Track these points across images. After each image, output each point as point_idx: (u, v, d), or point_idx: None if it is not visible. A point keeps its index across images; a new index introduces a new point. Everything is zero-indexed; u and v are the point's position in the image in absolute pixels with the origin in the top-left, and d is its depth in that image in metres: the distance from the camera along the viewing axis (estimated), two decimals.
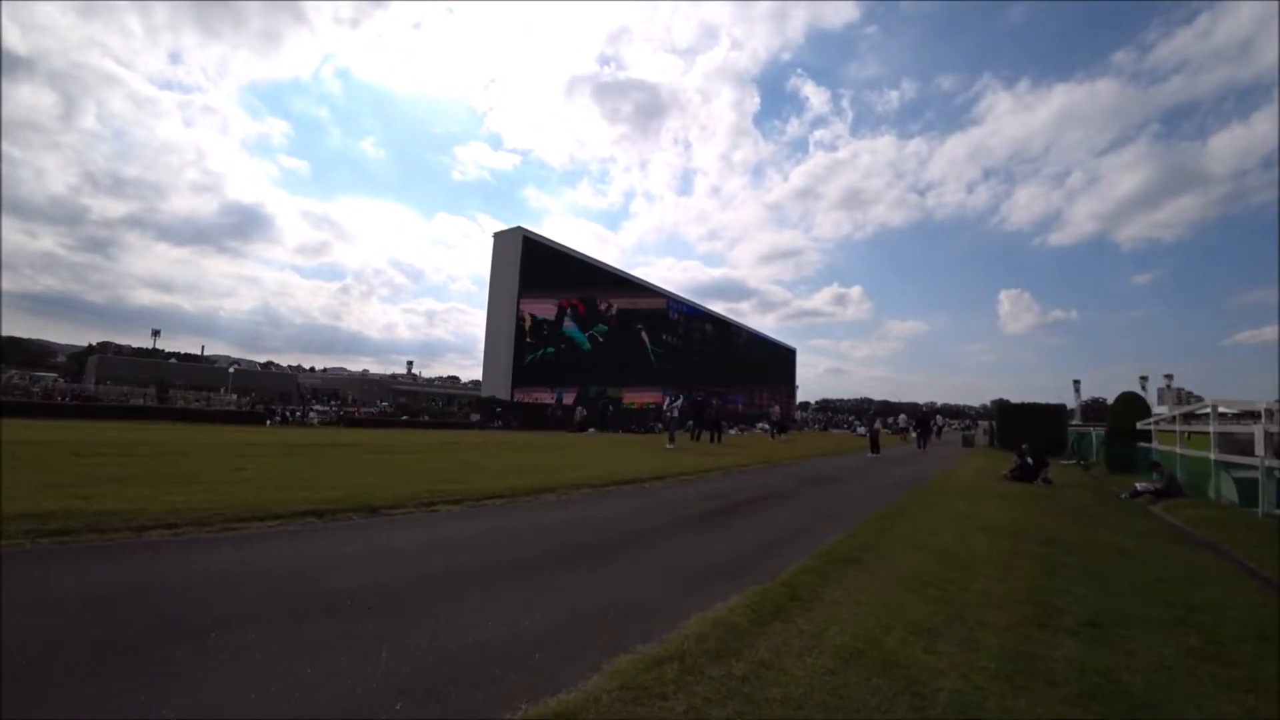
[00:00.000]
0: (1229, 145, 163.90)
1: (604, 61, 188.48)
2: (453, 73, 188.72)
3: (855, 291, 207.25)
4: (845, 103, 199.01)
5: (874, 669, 2.64)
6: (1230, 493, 9.15)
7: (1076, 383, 43.62)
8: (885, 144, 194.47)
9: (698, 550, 4.93)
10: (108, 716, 1.97)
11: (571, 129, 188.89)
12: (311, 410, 34.74)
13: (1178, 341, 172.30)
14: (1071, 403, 39.26)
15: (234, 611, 2.91)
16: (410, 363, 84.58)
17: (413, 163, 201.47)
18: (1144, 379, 38.24)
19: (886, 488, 10.35)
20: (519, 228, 37.87)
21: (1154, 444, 13.90)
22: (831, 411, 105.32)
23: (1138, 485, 10.92)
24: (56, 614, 2.76)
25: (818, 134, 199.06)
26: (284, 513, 5.01)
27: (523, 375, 36.28)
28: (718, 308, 65.74)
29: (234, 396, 42.99)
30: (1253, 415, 11.09)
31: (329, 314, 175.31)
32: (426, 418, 35.85)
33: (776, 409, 38.52)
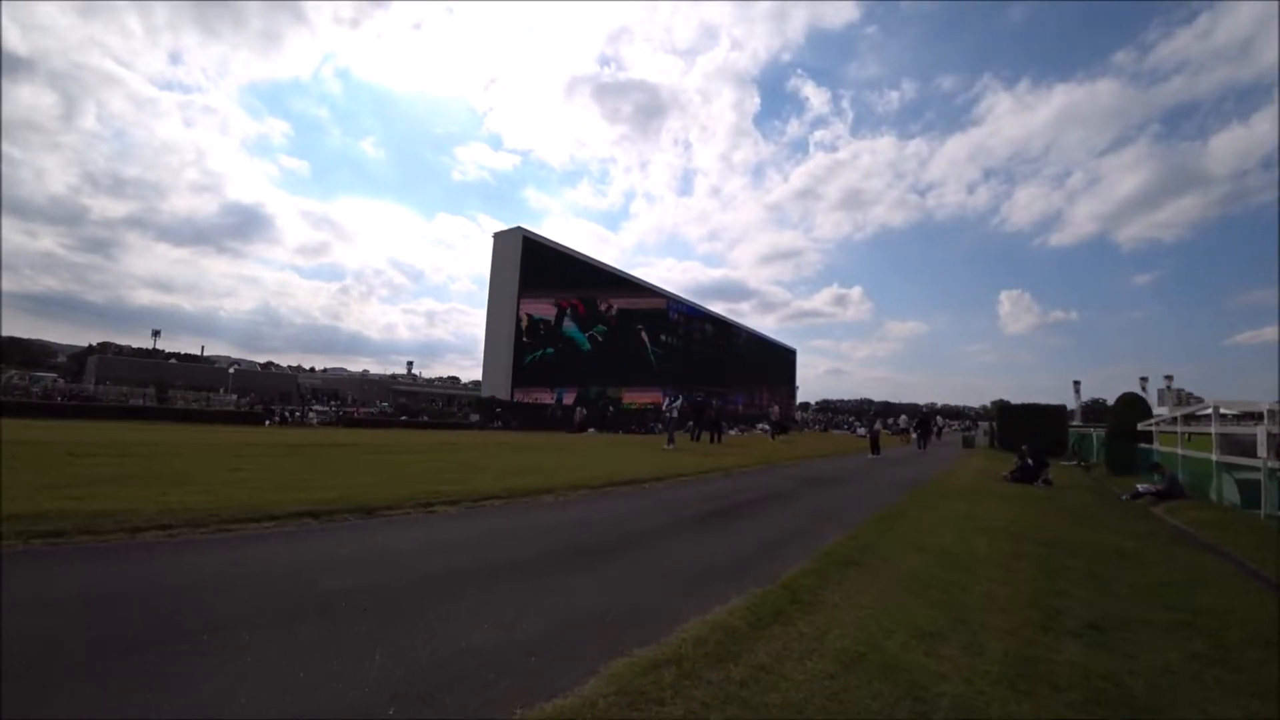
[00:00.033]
0: (1229, 145, 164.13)
1: (604, 62, 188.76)
2: (453, 73, 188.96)
3: (855, 292, 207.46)
4: (845, 103, 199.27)
5: (875, 673, 2.61)
6: (1232, 494, 9.11)
7: (1076, 383, 43.63)
8: (885, 144, 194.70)
9: (697, 552, 4.89)
10: (98, 718, 1.94)
11: (571, 129, 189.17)
12: (310, 411, 34.69)
13: (1178, 342, 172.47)
14: (1071, 403, 39.24)
15: (227, 614, 2.87)
16: (410, 363, 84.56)
17: (413, 163, 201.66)
18: (1144, 380, 38.18)
19: (887, 489, 10.31)
20: (519, 228, 37.87)
21: (1155, 445, 13.86)
22: (831, 412, 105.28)
23: (1139, 486, 10.88)
24: (46, 616, 2.72)
25: (818, 134, 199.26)
26: (280, 513, 4.96)
27: (522, 375, 36.26)
28: (718, 308, 65.83)
29: (234, 397, 42.94)
30: (1252, 416, 11.06)
31: (329, 314, 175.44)
32: (426, 418, 35.80)
33: (776, 409, 38.51)
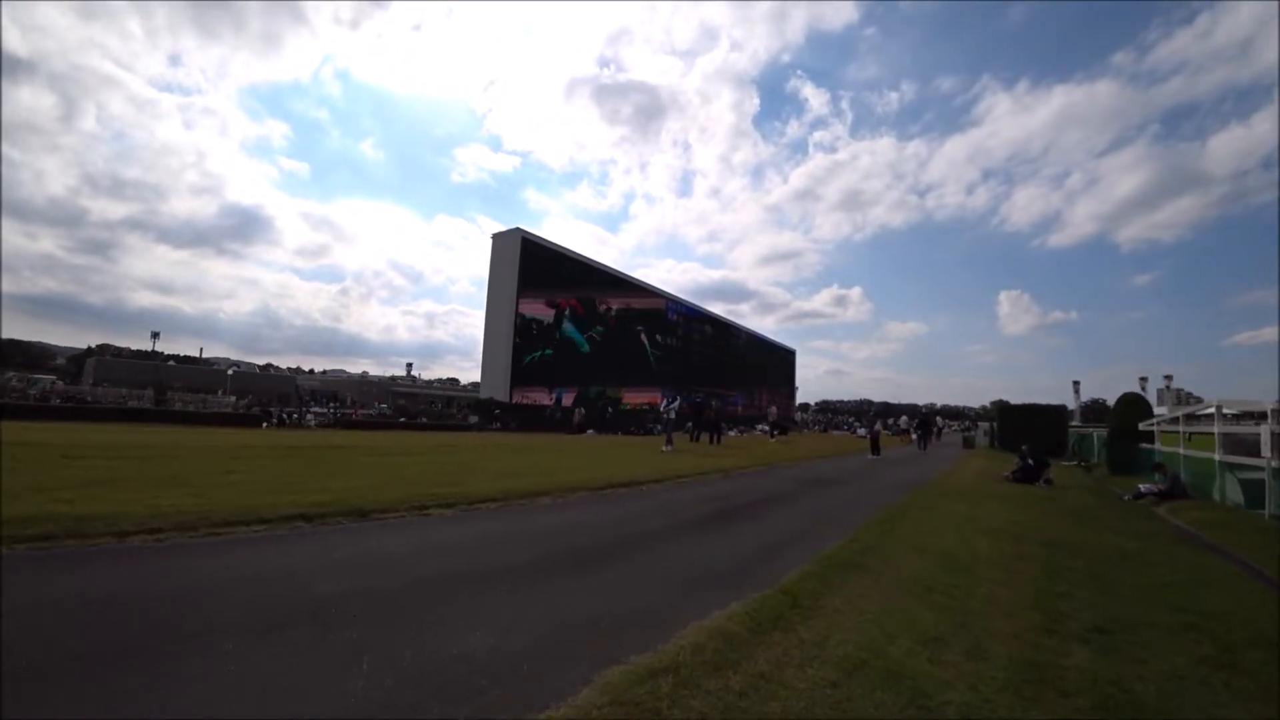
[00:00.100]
0: (1228, 146, 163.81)
1: (604, 63, 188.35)
2: (452, 74, 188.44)
3: (855, 293, 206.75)
4: (845, 104, 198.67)
5: (878, 681, 2.53)
6: (1236, 494, 9.05)
7: (1076, 384, 43.76)
8: (885, 145, 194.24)
9: (695, 555, 4.81)
10: None
11: (571, 131, 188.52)
12: (308, 412, 34.60)
13: (1177, 342, 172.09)
14: (1071, 404, 39.28)
15: (211, 620, 2.79)
16: (409, 364, 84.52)
17: (412, 164, 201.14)
18: (1144, 380, 38.32)
19: (887, 490, 10.24)
20: (517, 229, 37.83)
21: (1156, 445, 13.81)
22: (831, 413, 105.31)
23: (1141, 487, 10.82)
24: (22, 622, 2.64)
25: (817, 135, 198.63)
26: (272, 517, 4.88)
27: (521, 377, 36.21)
28: (717, 309, 65.86)
29: (232, 399, 42.85)
30: (1252, 416, 11.01)
31: (328, 316, 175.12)
32: (425, 420, 35.70)
33: (774, 410, 38.47)
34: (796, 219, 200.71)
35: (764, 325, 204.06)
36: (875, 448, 19.31)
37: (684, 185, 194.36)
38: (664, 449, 15.76)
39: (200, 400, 36.71)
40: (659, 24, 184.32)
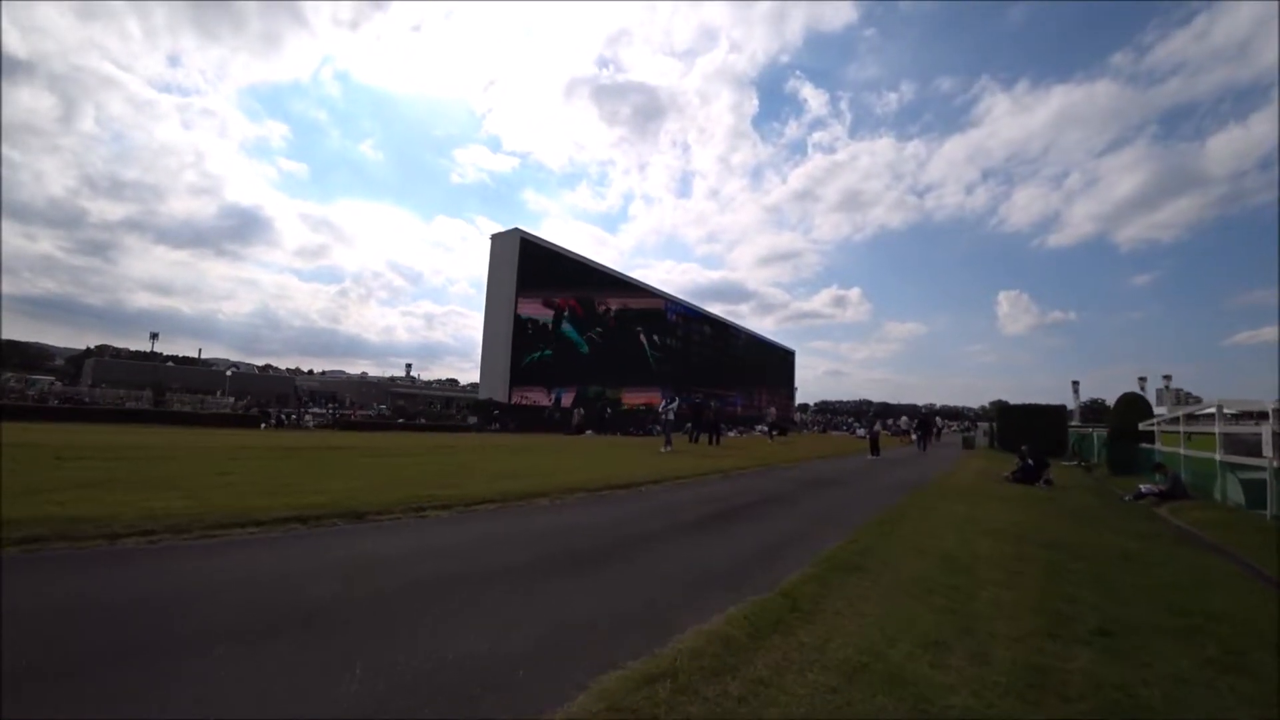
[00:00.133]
0: (1227, 146, 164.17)
1: (603, 64, 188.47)
2: (452, 75, 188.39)
3: (854, 293, 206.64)
4: (844, 105, 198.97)
5: (879, 685, 2.49)
6: (1237, 495, 9.01)
7: (1075, 384, 43.65)
8: (884, 146, 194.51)
9: (694, 557, 4.76)
10: None
11: (570, 131, 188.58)
12: (307, 413, 34.53)
13: (1176, 342, 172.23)
14: (1070, 404, 39.23)
15: (201, 626, 2.75)
16: (409, 365, 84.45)
17: (412, 165, 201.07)
18: (1143, 380, 38.24)
19: (887, 490, 10.20)
20: (516, 229, 37.79)
21: (1157, 445, 13.77)
22: (831, 413, 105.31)
23: (1142, 487, 10.79)
24: (4, 627, 2.59)
25: (816, 136, 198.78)
26: (266, 519, 4.83)
27: (520, 377, 36.16)
28: (716, 310, 65.85)
29: (231, 400, 42.76)
30: (1251, 416, 10.96)
31: (328, 317, 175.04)
32: (423, 420, 35.63)
33: (772, 411, 38.40)
34: (796, 219, 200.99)
35: (763, 326, 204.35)
36: (875, 448, 19.27)
37: (683, 186, 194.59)
38: (663, 450, 15.71)
39: (198, 401, 36.63)
40: (658, 25, 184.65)
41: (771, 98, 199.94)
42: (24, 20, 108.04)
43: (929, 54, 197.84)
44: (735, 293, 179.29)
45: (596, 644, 2.81)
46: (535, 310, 37.57)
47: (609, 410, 38.87)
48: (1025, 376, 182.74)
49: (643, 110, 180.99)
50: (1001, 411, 31.05)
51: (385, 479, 7.67)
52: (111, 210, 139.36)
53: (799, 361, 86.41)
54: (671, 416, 17.94)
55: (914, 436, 29.46)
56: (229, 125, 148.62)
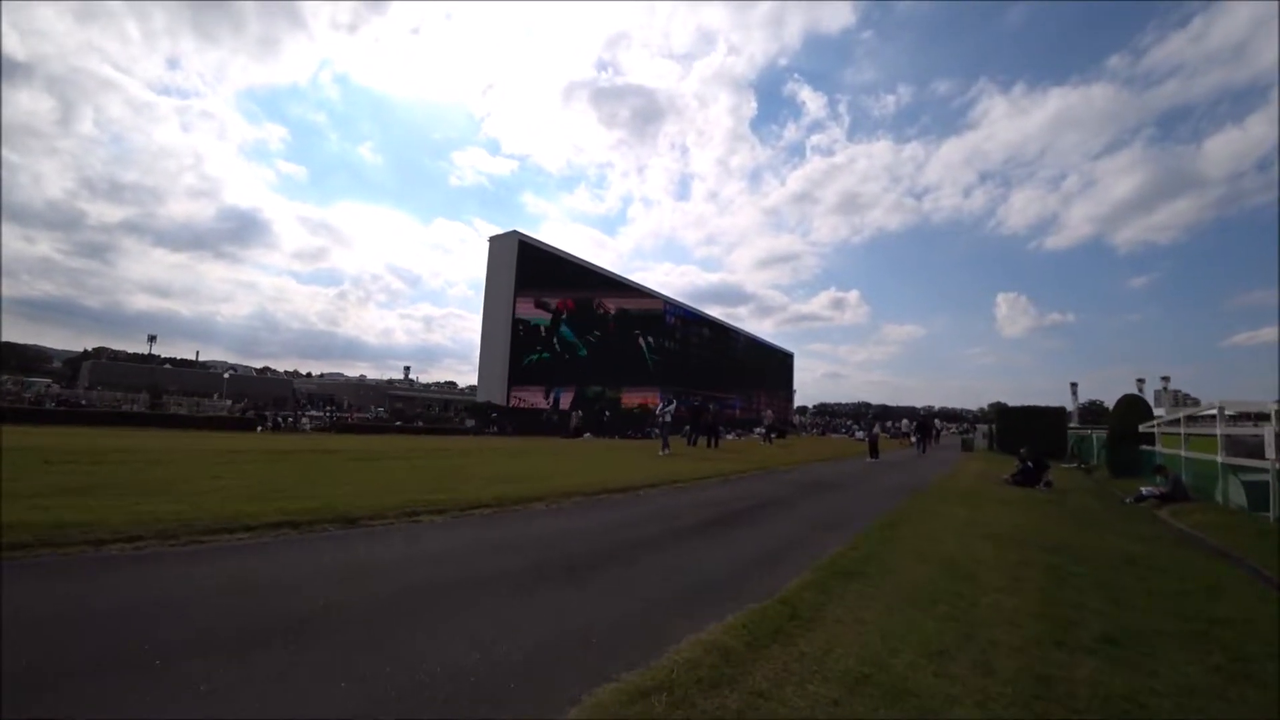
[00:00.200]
0: (1224, 148, 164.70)
1: (601, 67, 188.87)
2: (450, 78, 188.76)
3: (853, 295, 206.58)
4: (842, 107, 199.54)
5: (882, 698, 2.41)
6: (1239, 497, 8.94)
7: (1074, 385, 43.71)
8: (882, 148, 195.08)
9: (691, 563, 4.69)
10: None
11: (569, 134, 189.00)
12: (304, 416, 34.40)
13: (1174, 344, 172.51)
14: (1069, 405, 39.23)
15: (183, 636, 2.66)
16: (407, 368, 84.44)
17: (410, 168, 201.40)
18: (1141, 381, 38.28)
19: (887, 494, 10.13)
20: (514, 232, 37.76)
21: (1157, 447, 13.71)
22: (829, 415, 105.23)
23: (1143, 489, 10.72)
24: None
25: (814, 139, 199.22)
26: (256, 524, 4.75)
27: (518, 380, 36.06)
28: (715, 312, 65.86)
29: (228, 402, 42.61)
30: (1250, 417, 10.91)
31: (326, 319, 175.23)
32: (421, 423, 35.52)
33: (769, 414, 38.26)
34: (794, 222, 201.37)
35: (762, 328, 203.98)
36: (874, 451, 19.20)
37: (682, 188, 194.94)
38: (660, 453, 15.60)
39: (195, 404, 36.50)
40: (657, 28, 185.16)
41: (770, 100, 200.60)
42: (23, 23, 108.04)
43: (926, 57, 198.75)
44: (734, 295, 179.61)
45: (591, 654, 2.73)
46: (533, 313, 37.49)
47: (607, 413, 38.76)
48: (1024, 378, 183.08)
49: (641, 113, 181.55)
50: (1001, 413, 31.01)
51: (379, 483, 7.58)
52: (110, 212, 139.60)
53: (798, 364, 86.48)
54: (669, 419, 17.77)
55: (913, 439, 29.41)
56: (228, 128, 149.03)
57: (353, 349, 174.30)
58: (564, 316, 39.91)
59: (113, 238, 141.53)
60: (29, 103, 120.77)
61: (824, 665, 2.67)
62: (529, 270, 36.97)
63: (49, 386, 46.06)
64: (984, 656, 2.94)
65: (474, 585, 3.72)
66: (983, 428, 35.86)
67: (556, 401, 38.64)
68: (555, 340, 39.10)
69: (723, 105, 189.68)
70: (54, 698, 2.08)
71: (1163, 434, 13.88)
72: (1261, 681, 2.99)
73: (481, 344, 38.06)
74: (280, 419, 30.07)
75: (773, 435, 29.28)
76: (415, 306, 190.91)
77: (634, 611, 3.42)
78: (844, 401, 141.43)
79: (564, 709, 2.17)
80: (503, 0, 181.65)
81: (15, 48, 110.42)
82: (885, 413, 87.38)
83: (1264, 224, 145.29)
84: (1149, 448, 14.44)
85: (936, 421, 44.45)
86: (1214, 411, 9.77)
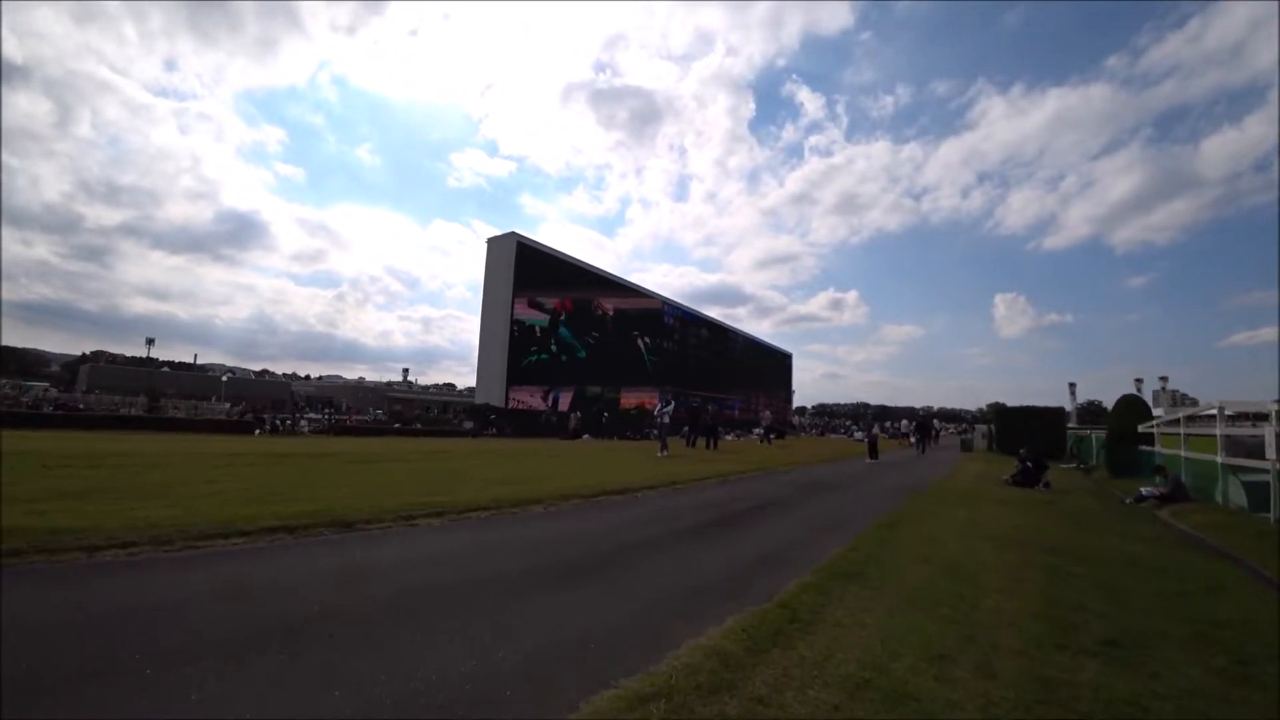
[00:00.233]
0: (1221, 149, 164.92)
1: (600, 68, 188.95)
2: (449, 79, 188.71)
3: (851, 296, 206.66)
4: (840, 108, 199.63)
5: (883, 703, 2.38)
6: (1239, 497, 8.93)
7: (1072, 385, 43.68)
8: (880, 149, 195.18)
9: (690, 566, 4.66)
10: None
11: (567, 136, 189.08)
12: (302, 418, 34.35)
13: (1172, 344, 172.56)
14: (1068, 405, 39.23)
15: (175, 643, 2.63)
16: (406, 370, 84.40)
17: (409, 170, 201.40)
18: (1139, 381, 38.21)
19: (887, 495, 10.10)
20: (513, 233, 37.70)
21: (1157, 447, 13.70)
22: (828, 416, 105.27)
23: (1142, 490, 10.72)
24: None
25: (813, 139, 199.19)
26: (252, 529, 4.71)
27: (517, 381, 36.01)
28: (714, 313, 65.82)
29: (226, 405, 42.55)
30: (1248, 417, 10.89)
31: (325, 321, 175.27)
32: (420, 425, 35.49)
33: (767, 415, 38.24)
34: (793, 223, 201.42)
35: (760, 329, 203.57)
36: (873, 452, 19.19)
37: (680, 190, 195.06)
38: (659, 454, 15.55)
39: (192, 407, 36.44)
40: (655, 29, 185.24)
41: (768, 101, 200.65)
42: (20, 24, 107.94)
43: (924, 57, 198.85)
44: (733, 296, 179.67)
45: (589, 659, 2.70)
46: (532, 314, 37.46)
47: (606, 414, 38.73)
48: (1022, 378, 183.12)
49: (639, 114, 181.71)
50: (1000, 414, 31.00)
51: (377, 486, 7.55)
52: (108, 215, 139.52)
53: (796, 364, 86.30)
54: (667, 420, 17.68)
55: (912, 440, 29.41)
56: (226, 130, 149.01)
57: (351, 351, 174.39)
58: (562, 318, 39.87)
59: (110, 240, 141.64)
60: (26, 105, 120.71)
61: (824, 670, 2.64)
62: (527, 272, 36.93)
63: (47, 390, 45.95)
64: (986, 660, 2.92)
65: (471, 589, 3.69)
66: (981, 428, 35.84)
67: (555, 403, 38.58)
68: (553, 342, 39.05)
69: (721, 106, 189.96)
70: (43, 707, 2.05)
71: (1162, 434, 13.87)
72: (1263, 684, 2.98)
73: (480, 346, 38.03)
74: (278, 422, 30.01)
75: (771, 436, 29.23)
76: (414, 308, 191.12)
77: (632, 615, 3.39)
78: (843, 402, 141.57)
79: (563, 716, 2.14)
80: (501, 1, 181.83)
81: (12, 50, 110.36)
82: (884, 413, 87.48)
83: (1261, 224, 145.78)
84: (1148, 448, 14.43)
85: (935, 422, 44.47)
86: (1213, 411, 9.76)
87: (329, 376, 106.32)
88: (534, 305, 37.43)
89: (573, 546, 5.09)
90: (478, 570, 4.16)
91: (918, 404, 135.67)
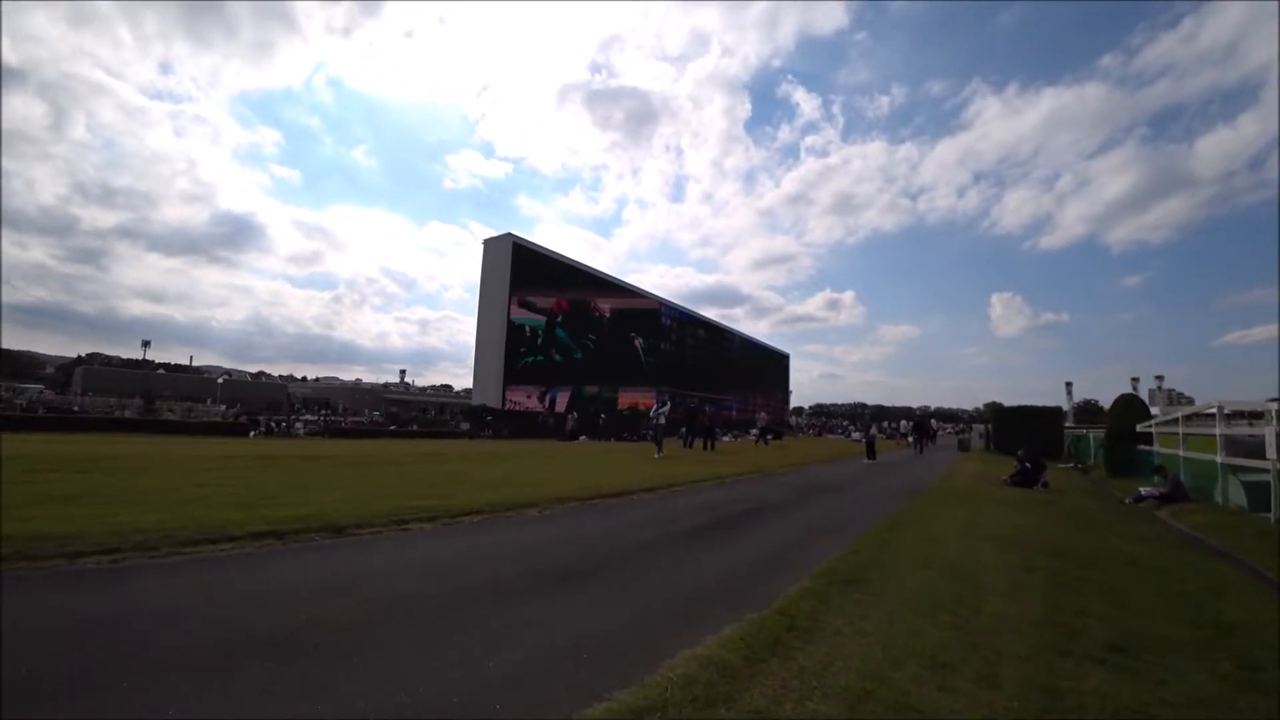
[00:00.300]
0: (1215, 148, 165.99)
1: (596, 69, 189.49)
2: (445, 81, 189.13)
3: (848, 296, 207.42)
4: (836, 108, 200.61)
5: (885, 715, 2.31)
6: (1239, 497, 8.88)
7: (1069, 385, 43.70)
8: (876, 149, 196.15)
9: (687, 571, 4.58)
10: None
11: (563, 137, 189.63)
12: (297, 420, 34.18)
13: (1168, 343, 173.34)
14: (1064, 405, 39.27)
15: (154, 654, 2.54)
16: (403, 371, 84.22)
17: (405, 171, 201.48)
18: (1135, 380, 38.22)
19: (886, 496, 10.04)
20: (509, 234, 37.57)
21: (1155, 447, 13.66)
22: (825, 416, 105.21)
23: (1141, 490, 10.67)
24: None
25: (809, 140, 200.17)
26: (240, 534, 4.62)
27: (513, 382, 35.89)
28: (711, 314, 65.69)
29: (222, 407, 42.36)
30: (1243, 416, 10.86)
31: (321, 323, 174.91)
32: (416, 427, 35.35)
33: (763, 415, 38.18)
34: (789, 223, 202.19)
35: (757, 329, 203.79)
36: (871, 452, 19.14)
37: (676, 190, 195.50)
38: (655, 456, 15.44)
39: (187, 409, 36.25)
40: (650, 30, 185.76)
41: (764, 102, 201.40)
42: (15, 28, 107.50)
43: (920, 57, 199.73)
44: (730, 296, 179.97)
45: (582, 670, 2.62)
46: (528, 315, 37.34)
47: (603, 415, 38.60)
48: (1019, 378, 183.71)
49: (635, 115, 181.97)
50: (997, 413, 30.96)
51: (370, 489, 7.45)
52: (103, 218, 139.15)
53: (793, 365, 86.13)
54: (663, 421, 17.45)
55: (910, 440, 29.38)
56: (221, 132, 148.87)
57: (348, 353, 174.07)
58: (559, 319, 39.74)
59: (106, 243, 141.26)
60: (22, 108, 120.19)
61: (824, 680, 2.57)
62: (524, 273, 36.81)
63: (41, 392, 45.67)
64: (989, 668, 2.84)
65: (462, 596, 3.60)
66: (979, 428, 35.81)
67: (552, 404, 38.45)
68: (551, 343, 38.94)
69: (717, 107, 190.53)
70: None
71: (1160, 434, 13.83)
72: (1270, 689, 2.91)
73: (476, 347, 37.89)
74: (273, 424, 29.84)
75: (768, 437, 29.09)
76: (411, 310, 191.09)
77: (627, 623, 3.31)
78: (840, 402, 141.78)
79: None
80: (496, 3, 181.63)
81: (7, 53, 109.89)
82: (881, 413, 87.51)
83: (1255, 223, 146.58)
84: (1147, 448, 14.39)
85: (933, 422, 44.46)
86: (1212, 411, 9.72)
87: (326, 378, 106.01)
88: (522, 304, 37.29)
89: (567, 551, 5.01)
90: (470, 576, 4.07)
91: (914, 404, 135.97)
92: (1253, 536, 7.03)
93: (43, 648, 2.57)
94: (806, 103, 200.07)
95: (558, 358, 39.38)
